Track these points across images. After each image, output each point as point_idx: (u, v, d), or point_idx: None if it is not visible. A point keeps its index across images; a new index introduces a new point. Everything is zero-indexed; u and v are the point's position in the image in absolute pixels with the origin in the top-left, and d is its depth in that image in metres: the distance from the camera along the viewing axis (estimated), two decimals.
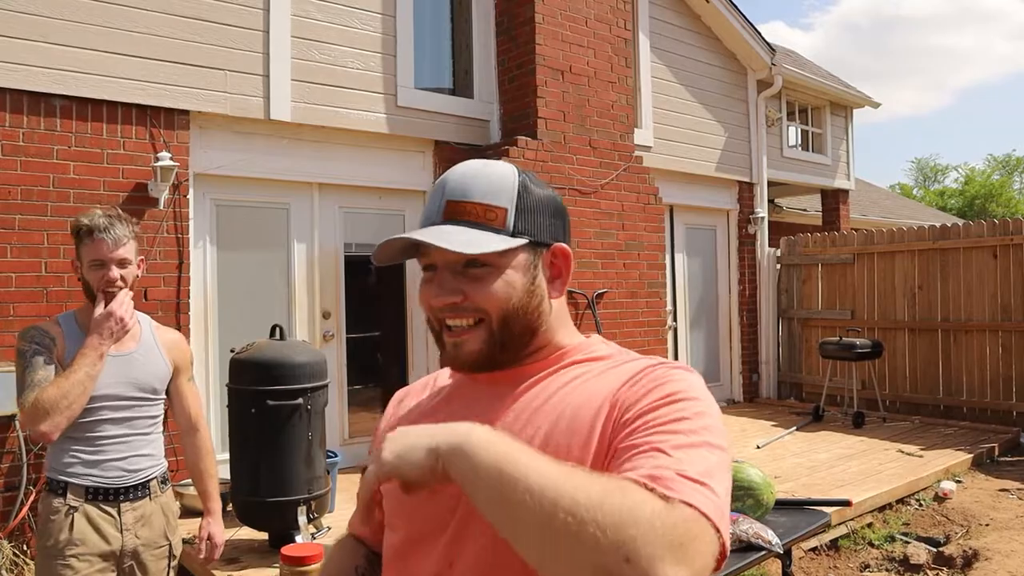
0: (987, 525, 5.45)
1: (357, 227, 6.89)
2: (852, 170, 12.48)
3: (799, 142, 11.99)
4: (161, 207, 5.49)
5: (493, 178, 1.11)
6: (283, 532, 4.32)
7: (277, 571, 2.18)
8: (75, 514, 2.33)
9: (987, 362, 8.28)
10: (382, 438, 0.98)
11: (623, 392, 1.02)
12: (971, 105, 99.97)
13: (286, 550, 2.01)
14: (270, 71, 6.05)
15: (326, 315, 6.66)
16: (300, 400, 4.72)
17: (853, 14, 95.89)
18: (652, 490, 0.83)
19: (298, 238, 6.46)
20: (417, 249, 1.13)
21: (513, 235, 1.09)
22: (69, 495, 2.34)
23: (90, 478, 2.36)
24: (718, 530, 0.84)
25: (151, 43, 5.51)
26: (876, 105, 12.45)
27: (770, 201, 11.33)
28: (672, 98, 9.21)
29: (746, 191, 10.14)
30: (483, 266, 1.08)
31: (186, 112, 5.69)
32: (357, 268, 6.93)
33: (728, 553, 0.87)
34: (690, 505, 0.83)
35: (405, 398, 1.33)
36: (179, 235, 5.61)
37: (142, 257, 2.53)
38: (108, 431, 2.39)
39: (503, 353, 1.11)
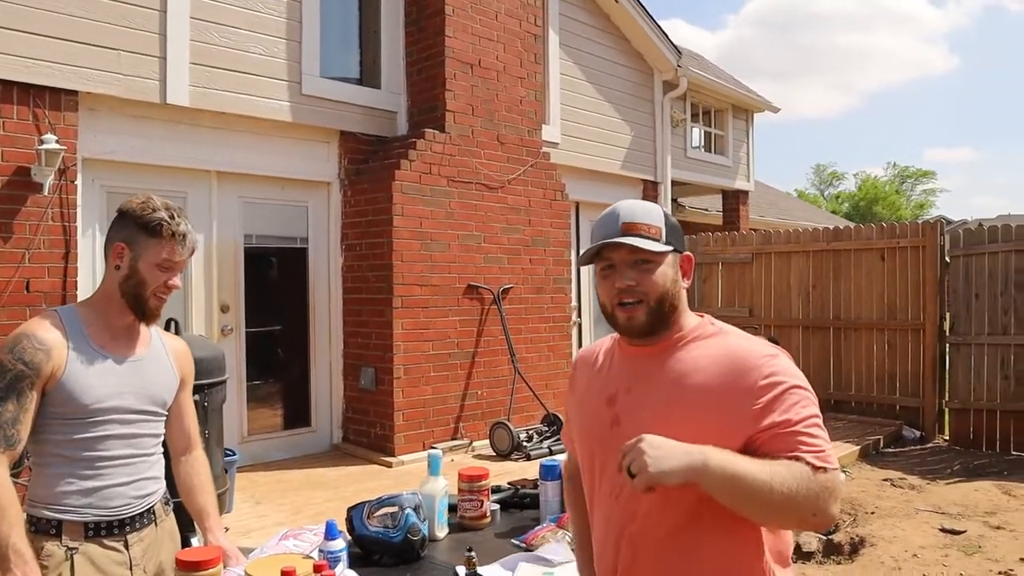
0: (872, 513, 5.70)
1: (258, 218, 6.68)
2: (752, 172, 12.89)
3: (702, 143, 12.30)
4: (46, 193, 5.18)
5: (650, 208, 1.66)
6: (180, 534, 4.14)
7: None
8: (75, 556, 1.96)
9: (874, 359, 8.65)
10: (574, 397, 1.82)
11: (752, 389, 1.51)
12: (876, 108, 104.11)
13: (181, 555, 1.89)
14: (167, 53, 5.78)
15: (224, 308, 6.43)
16: (196, 397, 4.53)
17: (763, 11, 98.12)
18: (819, 468, 1.43)
19: (195, 228, 6.08)
20: (598, 254, 1.64)
21: (665, 244, 1.61)
22: (65, 535, 1.97)
23: (89, 511, 2.00)
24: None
25: (36, 17, 5.17)
26: (776, 110, 12.88)
27: (673, 200, 11.57)
28: (580, 96, 9.29)
29: (650, 190, 10.32)
30: (648, 262, 1.60)
31: (74, 93, 5.38)
32: (258, 260, 6.72)
33: None
34: (834, 468, 1.45)
35: (580, 364, 1.87)
36: (66, 223, 5.31)
37: None
38: (113, 450, 2.04)
39: (659, 322, 1.62)
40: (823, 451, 1.46)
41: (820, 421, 1.50)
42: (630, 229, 1.60)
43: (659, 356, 1.64)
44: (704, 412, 1.52)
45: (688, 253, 1.68)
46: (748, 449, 1.48)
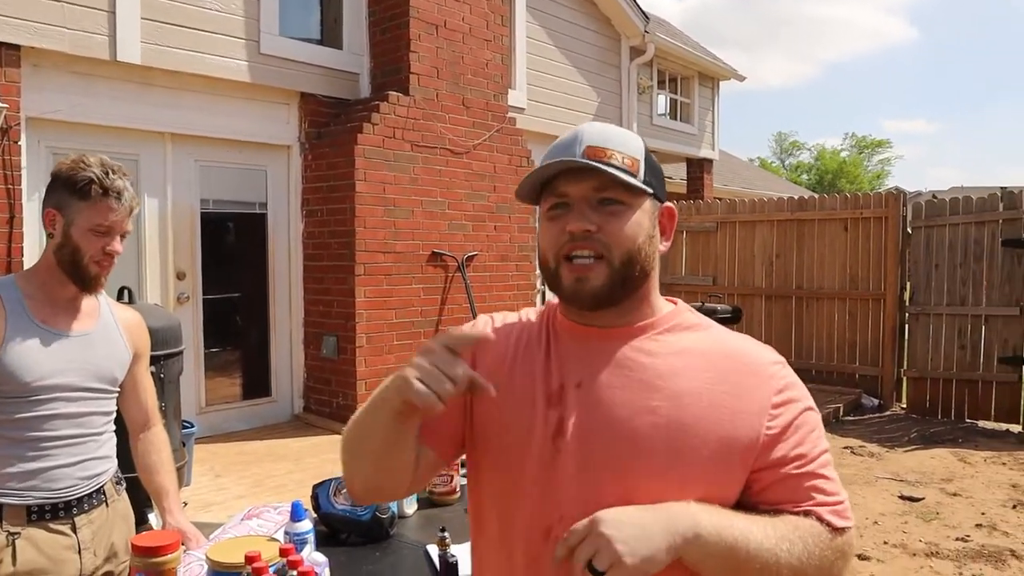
0: None
1: (215, 182, 6.47)
2: (717, 140, 12.86)
3: (668, 111, 12.23)
4: None
5: (625, 134, 1.21)
6: (136, 511, 4.04)
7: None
8: (17, 541, 1.86)
9: (835, 328, 8.73)
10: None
11: (764, 406, 1.14)
12: (836, 78, 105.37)
13: (138, 540, 1.79)
14: (116, 7, 5.51)
15: (180, 276, 6.23)
16: (152, 369, 4.37)
17: None
18: (839, 529, 1.11)
19: (149, 192, 5.99)
20: (548, 186, 1.20)
21: (644, 184, 1.18)
22: (6, 520, 1.87)
23: (32, 494, 1.89)
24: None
25: None
26: (742, 78, 12.84)
27: None
28: (546, 60, 9.14)
29: None
30: (618, 203, 1.16)
31: (16, 47, 5.11)
32: (215, 226, 6.52)
33: None
34: (849, 527, 1.13)
35: (498, 335, 1.29)
36: (10, 186, 5.07)
37: None
38: (59, 430, 1.92)
39: (622, 290, 1.17)
40: (842, 503, 1.14)
41: (826, 454, 1.17)
42: (598, 155, 1.15)
43: (626, 343, 1.19)
44: (701, 429, 1.11)
45: (670, 205, 1.25)
46: (747, 490, 1.14)
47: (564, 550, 1.03)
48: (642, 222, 1.17)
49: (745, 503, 1.13)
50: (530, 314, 1.32)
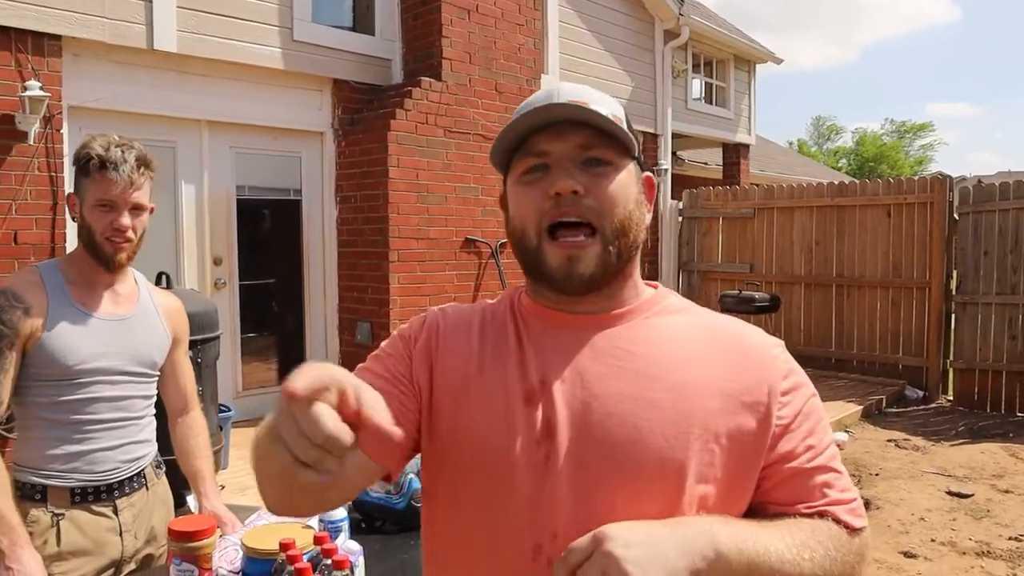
0: (877, 475, 5.64)
1: (251, 169, 6.49)
2: (753, 125, 12.64)
3: (703, 95, 12.05)
4: (31, 142, 4.99)
5: (603, 94, 1.09)
6: (175, 494, 4.08)
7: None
8: (61, 522, 1.88)
9: (877, 317, 8.53)
10: (414, 353, 1.08)
11: (773, 393, 1.04)
12: (876, 61, 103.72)
13: (175, 524, 1.80)
14: None
15: (217, 261, 6.28)
16: (190, 354, 4.40)
17: None
18: (857, 530, 1.03)
19: (186, 179, 6.03)
20: (522, 146, 1.07)
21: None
22: (50, 501, 1.89)
23: (75, 476, 1.91)
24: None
25: None
26: (779, 61, 12.61)
27: (673, 154, 11.37)
28: (579, 44, 9.04)
29: (650, 142, 10.11)
30: (605, 164, 1.04)
31: (58, 37, 5.15)
32: (251, 212, 6.56)
33: None
34: (866, 526, 1.06)
35: (446, 331, 1.12)
36: (52, 173, 5.12)
37: (152, 205, 2.03)
38: (101, 413, 1.94)
39: (617, 265, 1.05)
40: (855, 499, 1.05)
41: (833, 445, 1.08)
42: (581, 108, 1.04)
43: (610, 329, 1.06)
44: (711, 421, 1.00)
45: (649, 174, 1.14)
46: (756, 488, 1.04)
47: (564, 572, 0.88)
48: (629, 185, 1.06)
49: (753, 503, 1.04)
50: (489, 303, 1.16)
